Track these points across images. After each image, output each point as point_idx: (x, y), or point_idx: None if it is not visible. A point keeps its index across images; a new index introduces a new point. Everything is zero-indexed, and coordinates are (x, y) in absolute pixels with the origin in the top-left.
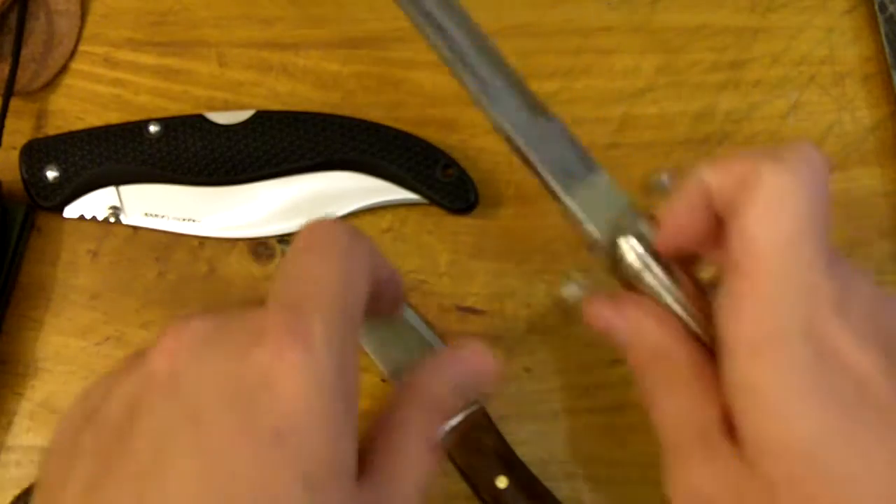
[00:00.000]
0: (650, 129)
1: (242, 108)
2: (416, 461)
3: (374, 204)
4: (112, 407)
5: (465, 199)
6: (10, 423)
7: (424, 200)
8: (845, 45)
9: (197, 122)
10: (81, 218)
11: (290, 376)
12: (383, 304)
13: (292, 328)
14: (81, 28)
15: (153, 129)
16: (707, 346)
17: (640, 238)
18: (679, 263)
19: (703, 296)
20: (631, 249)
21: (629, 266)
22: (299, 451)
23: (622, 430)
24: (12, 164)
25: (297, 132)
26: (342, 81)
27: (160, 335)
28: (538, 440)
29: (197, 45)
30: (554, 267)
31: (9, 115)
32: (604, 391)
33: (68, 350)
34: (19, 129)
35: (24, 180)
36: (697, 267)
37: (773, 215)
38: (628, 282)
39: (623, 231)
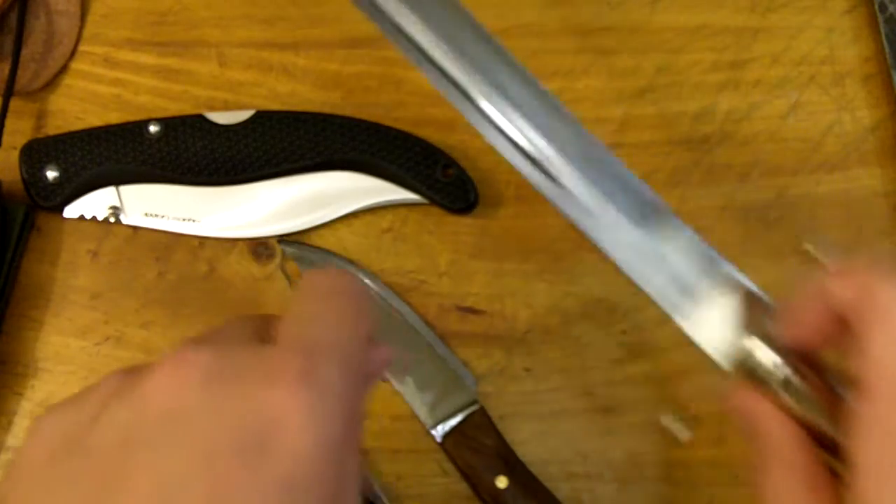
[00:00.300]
0: (650, 129)
1: (242, 108)
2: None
3: (374, 204)
4: (103, 435)
5: (465, 199)
6: (10, 423)
7: (424, 200)
8: (845, 45)
9: (197, 122)
10: (81, 218)
11: (302, 423)
12: (378, 355)
13: (307, 372)
14: (81, 28)
15: (153, 129)
16: (830, 443)
17: (767, 339)
18: (804, 354)
19: (829, 392)
20: (760, 352)
21: (758, 367)
22: (307, 501)
23: (622, 430)
24: (12, 164)
25: (297, 132)
26: (342, 81)
27: (161, 361)
28: (538, 440)
29: (197, 45)
30: (554, 267)
31: (9, 115)
32: (604, 391)
33: (68, 350)
34: (19, 129)
35: (24, 180)
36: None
37: None
38: (753, 379)
39: (748, 331)
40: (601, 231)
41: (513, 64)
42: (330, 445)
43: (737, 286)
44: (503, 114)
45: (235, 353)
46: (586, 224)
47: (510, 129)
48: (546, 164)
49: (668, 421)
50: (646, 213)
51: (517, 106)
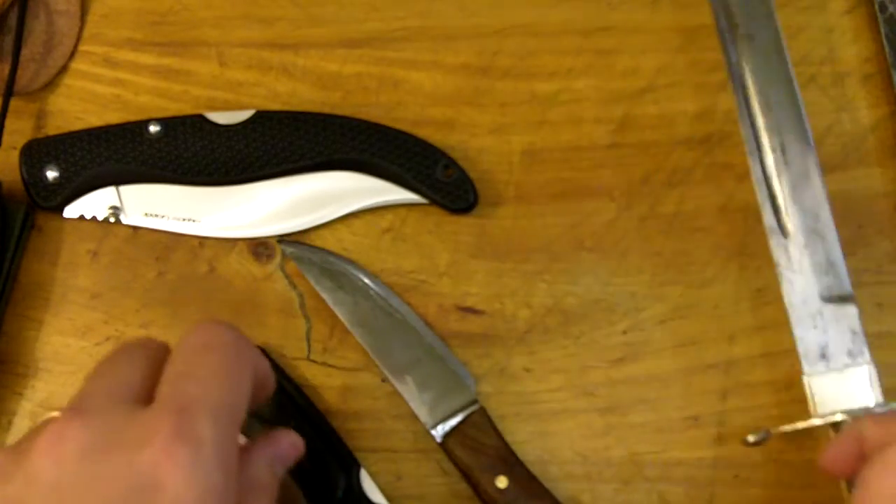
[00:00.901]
0: (650, 129)
1: (242, 108)
2: None
3: (374, 204)
4: None
5: (465, 199)
6: (10, 423)
7: (424, 200)
8: (845, 45)
9: (197, 122)
10: (81, 218)
11: (179, 477)
12: (258, 395)
13: (181, 430)
14: (81, 28)
15: (153, 129)
16: None
17: None
18: None
19: None
20: None
21: None
22: None
23: (622, 430)
24: (12, 164)
25: (297, 132)
26: (342, 81)
27: (39, 435)
28: (538, 440)
29: (197, 45)
30: (554, 267)
31: (9, 115)
32: (604, 391)
33: (68, 350)
34: (19, 129)
35: (24, 180)
36: None
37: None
38: None
39: None
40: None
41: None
42: (211, 494)
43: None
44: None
45: (109, 420)
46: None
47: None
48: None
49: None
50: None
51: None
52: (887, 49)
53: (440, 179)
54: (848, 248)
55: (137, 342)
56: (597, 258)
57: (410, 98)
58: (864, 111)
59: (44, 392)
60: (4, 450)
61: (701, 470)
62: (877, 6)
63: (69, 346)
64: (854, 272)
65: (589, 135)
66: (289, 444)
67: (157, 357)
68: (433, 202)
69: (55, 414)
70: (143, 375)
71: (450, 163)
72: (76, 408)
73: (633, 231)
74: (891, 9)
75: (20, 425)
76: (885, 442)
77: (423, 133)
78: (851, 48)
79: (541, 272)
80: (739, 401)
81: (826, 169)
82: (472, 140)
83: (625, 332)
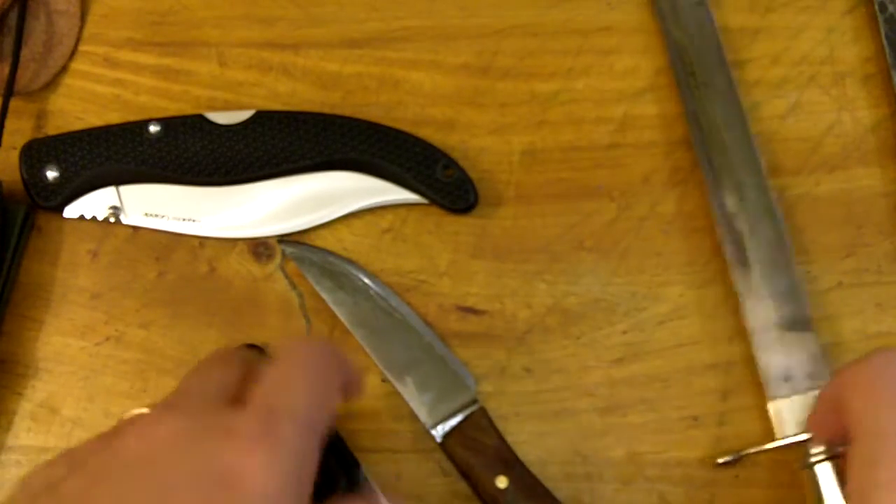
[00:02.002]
0: (650, 129)
1: (242, 108)
2: None
3: (374, 204)
4: (75, 481)
5: (465, 199)
6: (10, 423)
7: (424, 200)
8: (845, 45)
9: (197, 122)
10: (81, 218)
11: (256, 473)
12: (345, 398)
13: (267, 430)
14: (81, 28)
15: (153, 129)
16: None
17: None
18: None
19: None
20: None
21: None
22: None
23: (622, 430)
24: (12, 164)
25: (297, 132)
26: (342, 81)
27: (131, 423)
28: (538, 440)
29: (197, 45)
30: (554, 267)
31: (9, 115)
32: (604, 391)
33: (68, 350)
34: (19, 129)
35: (24, 180)
36: None
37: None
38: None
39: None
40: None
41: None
42: (285, 494)
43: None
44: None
45: (200, 416)
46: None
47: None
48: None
49: None
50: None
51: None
52: (887, 49)
53: (440, 179)
54: (848, 248)
55: (235, 349)
56: (597, 258)
57: (410, 98)
58: (864, 111)
59: (44, 392)
60: (96, 436)
61: (701, 470)
62: (877, 6)
63: (69, 346)
64: (854, 272)
65: (589, 135)
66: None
67: (252, 364)
68: (433, 202)
69: (144, 410)
70: (237, 379)
71: (450, 163)
72: (170, 403)
73: (633, 231)
74: (891, 9)
75: (20, 425)
76: (855, 382)
77: (423, 133)
78: (851, 48)
79: (541, 272)
80: (739, 401)
81: (826, 169)
82: (472, 140)
83: (625, 332)
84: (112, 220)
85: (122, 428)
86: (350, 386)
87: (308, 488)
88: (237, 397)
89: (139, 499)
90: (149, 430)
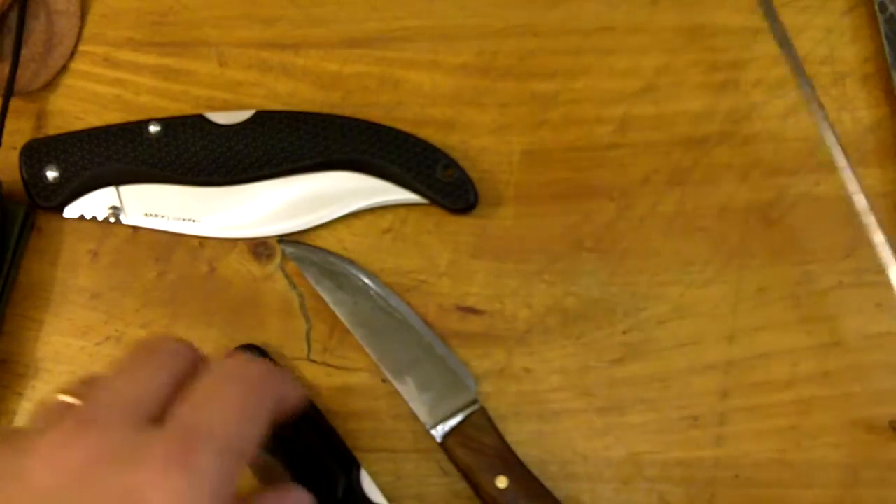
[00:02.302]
0: (650, 129)
1: (242, 108)
2: None
3: (374, 204)
4: None
5: (465, 199)
6: (10, 423)
7: (424, 200)
8: (845, 45)
9: (197, 122)
10: (81, 218)
11: (166, 501)
12: (280, 416)
13: (181, 457)
14: (81, 28)
15: (153, 129)
16: None
17: None
18: None
19: None
20: None
21: None
22: None
23: (622, 430)
24: (12, 164)
25: (297, 132)
26: (342, 81)
27: (43, 437)
28: (538, 440)
29: (197, 45)
30: (554, 267)
31: (9, 115)
32: (604, 391)
33: (68, 350)
34: (19, 129)
35: (24, 180)
36: None
37: None
38: None
39: None
40: None
41: None
42: None
43: None
44: None
45: (116, 436)
46: None
47: None
48: None
49: None
50: None
51: None
52: (887, 49)
53: (440, 179)
54: (848, 249)
55: (170, 347)
56: (597, 258)
57: (410, 98)
58: (864, 111)
59: (44, 392)
60: (5, 438)
61: (701, 470)
62: (877, 6)
63: (69, 346)
64: (854, 272)
65: (589, 135)
66: (294, 501)
67: (185, 369)
68: (433, 202)
69: (66, 398)
70: (163, 390)
71: (450, 163)
72: (86, 418)
73: (633, 231)
74: (891, 9)
75: (20, 425)
76: None
77: (423, 133)
78: (851, 48)
79: (541, 272)
80: (739, 401)
81: (826, 169)
82: (472, 140)
83: (625, 332)
84: (112, 220)
85: (35, 443)
86: (286, 403)
87: None
88: (161, 410)
89: None
90: (59, 456)
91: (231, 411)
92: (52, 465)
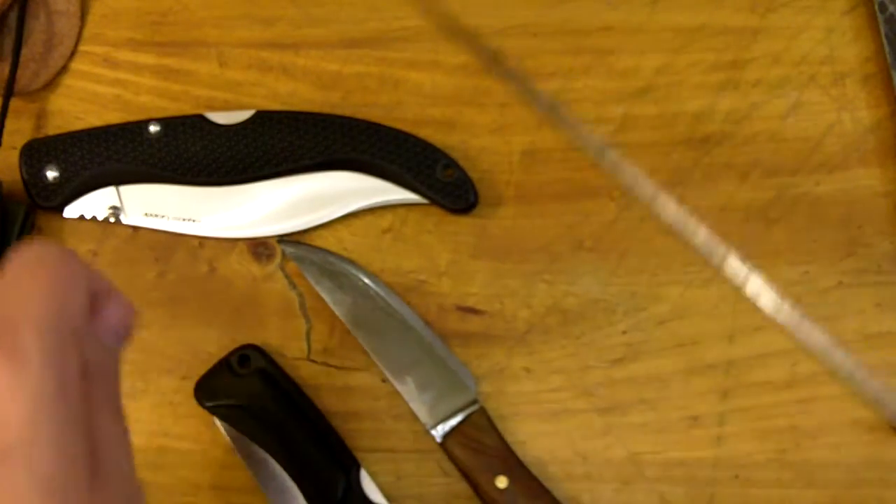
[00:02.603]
0: (650, 129)
1: (242, 108)
2: (120, 448)
3: (374, 204)
4: None
5: (465, 199)
6: None
7: (424, 200)
8: (845, 45)
9: (197, 122)
10: (81, 218)
11: (6, 396)
12: (110, 317)
13: (4, 347)
14: (81, 28)
15: (153, 129)
16: None
17: None
18: None
19: None
20: None
21: None
22: (29, 464)
23: (622, 430)
24: (12, 164)
25: (297, 132)
26: (342, 81)
27: None
28: (538, 440)
29: (197, 45)
30: (554, 267)
31: (9, 115)
32: (604, 391)
33: None
34: (19, 129)
35: (24, 180)
36: None
37: None
38: None
39: None
40: None
41: None
42: (41, 408)
43: None
44: None
45: None
46: None
47: None
48: None
49: None
50: None
51: None
52: (887, 49)
53: (440, 179)
54: (848, 249)
55: None
56: (597, 258)
57: (410, 98)
58: (864, 111)
59: None
60: None
61: (701, 470)
62: (877, 6)
63: None
64: (854, 272)
65: (589, 135)
66: (117, 315)
67: None
68: (433, 202)
69: None
70: None
71: (450, 163)
72: None
73: (633, 231)
74: (891, 9)
75: None
76: None
77: (423, 133)
78: (851, 48)
79: (541, 272)
80: (739, 401)
81: (826, 169)
82: (472, 140)
83: (625, 332)
84: (112, 220)
85: None
86: (102, 296)
87: (76, 392)
88: None
89: None
90: None
91: (41, 292)
92: None
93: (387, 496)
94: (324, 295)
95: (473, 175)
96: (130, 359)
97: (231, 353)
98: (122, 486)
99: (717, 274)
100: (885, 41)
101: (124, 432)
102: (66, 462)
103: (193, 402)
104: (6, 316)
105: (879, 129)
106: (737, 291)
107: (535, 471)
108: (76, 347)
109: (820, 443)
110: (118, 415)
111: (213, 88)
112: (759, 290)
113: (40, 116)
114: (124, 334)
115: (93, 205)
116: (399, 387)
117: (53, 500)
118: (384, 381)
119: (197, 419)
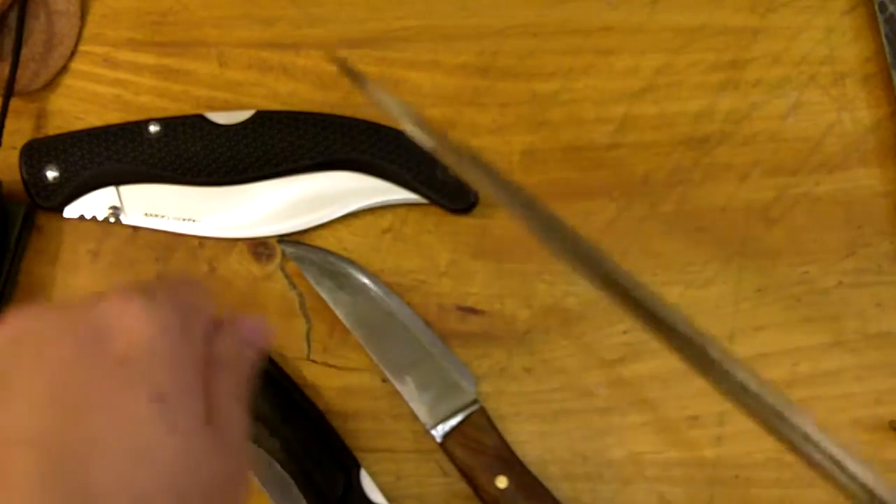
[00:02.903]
0: (650, 129)
1: (242, 108)
2: (235, 414)
3: (374, 204)
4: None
5: (465, 199)
6: None
7: (424, 200)
8: (845, 45)
9: (197, 122)
10: (81, 218)
11: (133, 317)
12: (242, 328)
13: (137, 288)
14: (81, 28)
15: (153, 129)
16: None
17: None
18: None
19: None
20: None
21: None
22: (144, 372)
23: (622, 430)
24: (12, 164)
25: (297, 132)
26: (342, 81)
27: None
28: (538, 440)
29: (197, 45)
30: (554, 267)
31: (9, 115)
32: (604, 391)
33: None
34: (19, 129)
35: (24, 180)
36: None
37: None
38: None
39: None
40: None
41: None
42: (162, 331)
43: None
44: None
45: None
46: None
47: None
48: None
49: None
50: None
51: None
52: (887, 49)
53: (440, 179)
54: (848, 249)
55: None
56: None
57: (410, 98)
58: (864, 111)
59: None
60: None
61: (701, 470)
62: (877, 6)
63: None
64: (854, 272)
65: (589, 135)
66: (251, 327)
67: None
68: (433, 202)
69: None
70: None
71: None
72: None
73: (633, 231)
74: (891, 9)
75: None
76: None
77: None
78: (851, 48)
79: (541, 272)
80: None
81: (826, 169)
82: (472, 140)
83: (625, 332)
84: (112, 220)
85: None
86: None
87: (199, 333)
88: None
89: (19, 361)
90: (25, 312)
91: (182, 286)
92: (18, 315)
93: (387, 496)
94: (324, 295)
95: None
96: None
97: None
98: (233, 447)
99: (717, 274)
100: (885, 41)
101: (242, 415)
102: (180, 378)
103: None
104: (149, 287)
105: (879, 129)
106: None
107: (535, 471)
108: (202, 326)
109: None
110: (239, 401)
111: (213, 88)
112: None
113: (40, 116)
114: (256, 344)
115: (93, 205)
116: (399, 387)
117: (163, 406)
118: (384, 381)
119: None
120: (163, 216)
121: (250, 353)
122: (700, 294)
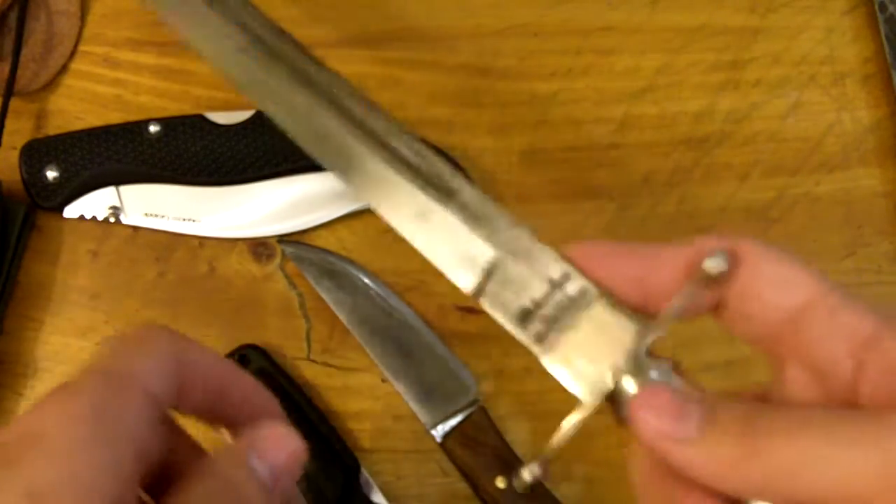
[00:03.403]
0: (650, 129)
1: (242, 108)
2: None
3: None
4: None
5: None
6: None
7: None
8: (845, 45)
9: (197, 122)
10: (81, 218)
11: (37, 408)
12: (266, 451)
13: (56, 398)
14: (81, 28)
15: (153, 129)
16: None
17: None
18: None
19: None
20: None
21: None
22: (23, 468)
23: (621, 430)
24: (12, 164)
25: None
26: None
27: None
28: (538, 440)
29: None
30: None
31: (9, 115)
32: None
33: (68, 350)
34: (19, 129)
35: (24, 180)
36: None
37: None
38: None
39: (625, 371)
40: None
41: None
42: (64, 422)
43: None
44: None
45: None
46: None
47: None
48: None
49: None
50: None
51: None
52: (887, 49)
53: None
54: (848, 249)
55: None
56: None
57: (411, 98)
58: (864, 111)
59: (44, 392)
60: None
61: None
62: (877, 6)
63: (69, 345)
64: (854, 272)
65: (589, 135)
66: (285, 451)
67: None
68: None
69: None
70: None
71: (450, 163)
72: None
73: (633, 231)
74: (891, 9)
75: None
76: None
77: (423, 133)
78: (851, 48)
79: None
80: None
81: (826, 169)
82: (472, 140)
83: None
84: (112, 220)
85: None
86: (195, 362)
87: (127, 450)
88: None
89: None
90: None
91: (105, 353)
92: None
93: (387, 496)
94: (324, 295)
95: (473, 175)
96: None
97: (231, 353)
98: None
99: None
100: (885, 41)
101: None
102: (66, 481)
103: None
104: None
105: (879, 129)
106: None
107: None
108: (142, 405)
109: None
110: None
111: (213, 88)
112: None
113: (40, 116)
114: (281, 473)
115: (93, 205)
116: (399, 387)
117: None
118: (384, 381)
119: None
120: (163, 216)
121: (286, 485)
122: None
